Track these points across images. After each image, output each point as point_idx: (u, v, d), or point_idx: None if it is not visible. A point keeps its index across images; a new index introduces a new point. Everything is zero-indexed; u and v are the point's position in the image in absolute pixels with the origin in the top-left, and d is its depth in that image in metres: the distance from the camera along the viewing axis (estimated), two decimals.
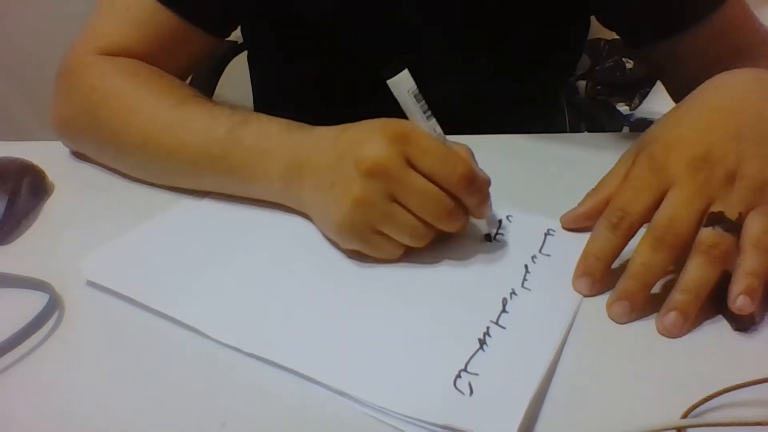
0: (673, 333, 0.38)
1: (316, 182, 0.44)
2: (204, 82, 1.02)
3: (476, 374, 0.35)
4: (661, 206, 0.41)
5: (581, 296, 0.42)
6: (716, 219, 0.39)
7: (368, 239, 0.43)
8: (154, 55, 0.57)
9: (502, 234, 0.48)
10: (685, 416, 0.32)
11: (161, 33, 0.58)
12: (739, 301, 0.37)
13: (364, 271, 0.44)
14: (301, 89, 0.74)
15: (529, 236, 0.47)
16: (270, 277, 0.43)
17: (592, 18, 0.70)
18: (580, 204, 0.48)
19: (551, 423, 0.33)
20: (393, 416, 0.33)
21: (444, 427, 0.32)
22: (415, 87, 0.41)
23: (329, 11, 0.63)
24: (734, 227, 0.39)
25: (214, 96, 1.04)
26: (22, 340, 0.37)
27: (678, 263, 0.40)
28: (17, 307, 0.40)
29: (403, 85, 0.41)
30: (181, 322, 0.39)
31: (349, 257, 0.45)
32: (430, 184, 0.41)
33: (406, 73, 0.41)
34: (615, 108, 1.57)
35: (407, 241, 0.43)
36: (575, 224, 0.48)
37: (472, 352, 0.37)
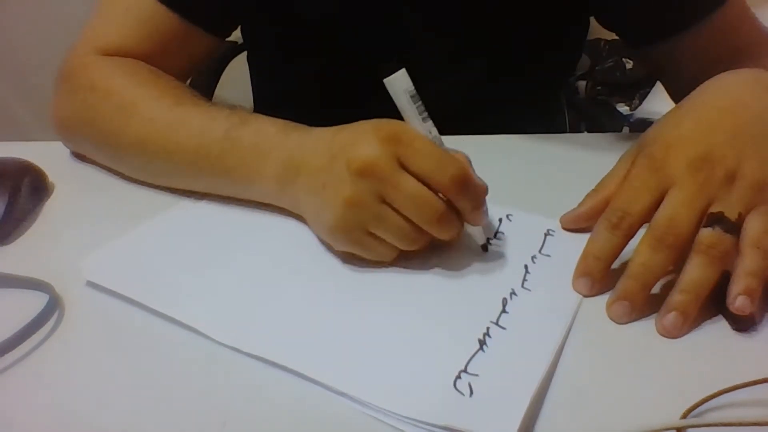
0: (672, 333, 0.38)
1: (310, 183, 0.44)
2: (204, 82, 1.02)
3: (476, 375, 0.35)
4: (661, 206, 0.41)
5: (581, 296, 0.42)
6: (716, 219, 0.39)
7: (360, 241, 0.42)
8: (154, 56, 0.58)
9: (503, 234, 0.48)
10: (685, 416, 0.32)
11: (161, 33, 0.58)
12: (739, 301, 0.38)
13: (364, 272, 0.44)
14: (301, 89, 0.73)
15: (528, 236, 0.47)
16: (270, 277, 0.43)
17: (592, 18, 0.70)
18: (580, 204, 0.48)
19: (551, 423, 0.33)
20: (393, 417, 0.33)
21: (444, 427, 0.32)
22: (412, 87, 0.41)
23: (329, 11, 0.63)
24: (734, 227, 0.39)
25: (214, 96, 1.04)
26: (22, 340, 0.37)
27: (678, 263, 0.40)
28: (17, 307, 0.40)
29: (399, 84, 0.40)
30: (181, 322, 0.39)
31: (344, 261, 0.44)
32: (421, 186, 0.40)
33: (403, 72, 0.40)
34: (615, 108, 1.57)
35: (398, 244, 0.42)
36: (575, 224, 0.48)
37: (472, 353, 0.37)
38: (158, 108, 0.52)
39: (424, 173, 0.40)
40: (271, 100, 0.81)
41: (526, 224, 0.49)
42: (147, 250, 0.46)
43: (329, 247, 0.45)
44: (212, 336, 0.38)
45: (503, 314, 0.40)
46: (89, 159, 0.58)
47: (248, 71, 0.84)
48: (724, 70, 0.47)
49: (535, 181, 0.56)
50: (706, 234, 0.39)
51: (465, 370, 0.35)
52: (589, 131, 1.10)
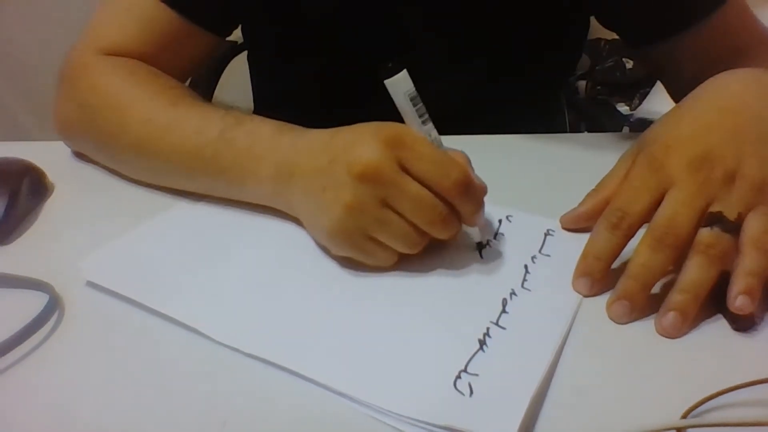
0: (672, 333, 0.38)
1: (307, 186, 0.43)
2: (204, 82, 1.02)
3: (476, 375, 0.35)
4: (661, 206, 0.41)
5: (581, 296, 0.42)
6: (715, 219, 0.39)
7: (361, 246, 0.42)
8: (155, 55, 0.58)
9: (502, 234, 0.48)
10: (685, 416, 0.32)
11: (162, 32, 0.58)
12: (739, 300, 0.37)
13: (364, 272, 0.44)
14: (301, 89, 0.73)
15: (528, 236, 0.47)
16: (270, 277, 0.43)
17: (592, 18, 0.70)
18: (580, 204, 0.48)
19: (551, 423, 0.33)
20: (393, 417, 0.33)
21: (444, 427, 0.32)
22: (413, 89, 0.40)
23: (329, 11, 0.63)
24: (733, 227, 0.39)
25: (213, 96, 1.04)
26: (22, 340, 0.37)
27: (678, 263, 0.40)
28: (17, 307, 0.40)
29: (400, 86, 0.40)
30: (181, 322, 0.39)
31: (342, 265, 0.44)
32: (424, 190, 0.40)
33: (404, 74, 0.40)
34: (615, 108, 1.57)
35: (400, 248, 0.42)
36: (575, 224, 0.48)
37: (472, 353, 0.37)
38: (154, 109, 0.52)
39: (426, 177, 0.40)
40: (271, 100, 0.81)
41: (526, 224, 0.49)
42: (147, 250, 0.46)
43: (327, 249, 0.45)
44: (212, 336, 0.38)
45: (503, 314, 0.40)
46: (89, 159, 0.58)
47: (248, 71, 0.84)
48: (724, 70, 0.47)
49: (535, 181, 0.56)
50: (706, 234, 0.39)
51: (465, 370, 0.35)
52: (589, 131, 1.10)
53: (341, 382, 0.35)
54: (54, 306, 0.40)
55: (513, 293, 0.42)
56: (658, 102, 1.38)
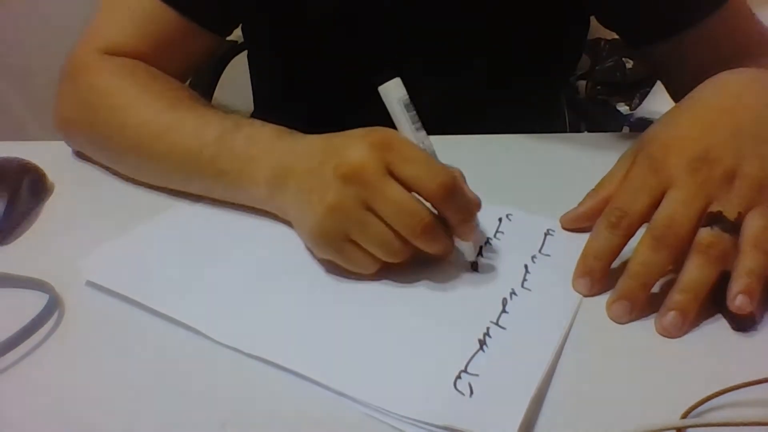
0: (672, 333, 0.38)
1: (298, 188, 0.43)
2: (204, 82, 1.02)
3: (476, 375, 0.35)
4: (661, 206, 0.41)
5: (581, 296, 0.42)
6: (715, 219, 0.39)
7: (341, 248, 0.41)
8: (155, 55, 0.58)
9: (502, 233, 0.48)
10: (685, 416, 0.32)
11: (163, 32, 0.58)
12: (738, 300, 0.38)
13: None
14: (300, 89, 0.74)
15: (528, 236, 0.47)
16: (270, 277, 0.43)
17: (592, 18, 0.70)
18: (579, 204, 0.48)
19: (551, 423, 0.33)
20: (393, 417, 0.33)
21: (444, 427, 0.32)
22: (406, 96, 0.40)
23: (329, 11, 0.63)
24: (733, 227, 0.39)
25: (213, 96, 1.04)
26: (22, 340, 0.37)
27: (677, 263, 0.40)
28: (17, 307, 0.40)
29: (393, 93, 0.40)
30: (181, 322, 0.39)
31: (327, 270, 0.43)
32: (407, 194, 0.39)
33: (397, 81, 0.40)
34: (615, 108, 1.57)
35: (379, 254, 0.41)
36: (575, 224, 0.48)
37: (472, 353, 0.37)
38: (153, 110, 0.52)
39: (411, 179, 0.39)
40: (271, 100, 0.81)
41: (525, 224, 0.49)
42: (146, 250, 0.46)
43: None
44: (212, 336, 0.38)
45: (503, 314, 0.40)
46: (89, 158, 0.58)
47: (248, 71, 0.84)
48: (724, 70, 0.47)
49: (535, 181, 0.56)
50: (705, 234, 0.39)
51: (465, 370, 0.35)
52: (589, 131, 1.10)
53: (341, 382, 0.35)
54: (54, 306, 0.40)
55: (513, 293, 0.42)
56: (658, 102, 1.38)
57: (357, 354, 0.37)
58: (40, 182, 0.54)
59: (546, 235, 0.48)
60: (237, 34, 0.73)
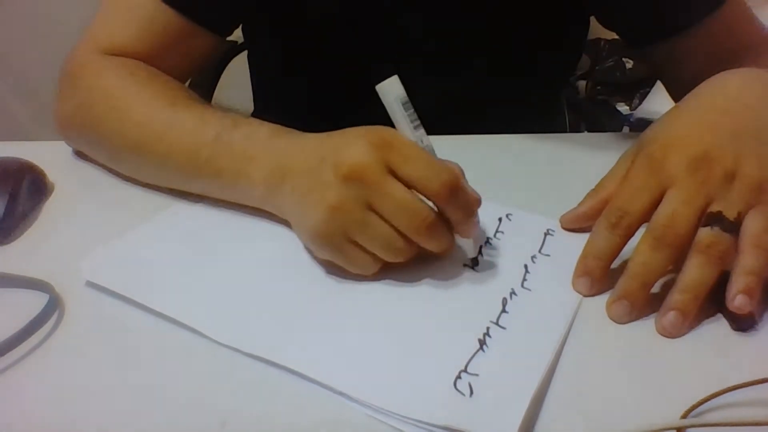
0: (672, 333, 0.38)
1: (296, 187, 0.43)
2: (204, 82, 1.02)
3: (476, 375, 0.35)
4: (660, 206, 0.41)
5: (581, 296, 0.42)
6: (714, 219, 0.39)
7: (342, 249, 0.41)
8: (156, 55, 0.58)
9: (502, 233, 0.48)
10: (685, 416, 0.32)
11: (163, 32, 0.58)
12: (738, 300, 0.38)
13: None
14: (301, 89, 0.74)
15: (528, 236, 0.47)
16: (270, 277, 0.43)
17: (592, 18, 0.70)
18: (579, 204, 0.48)
19: (551, 423, 0.33)
20: (393, 417, 0.33)
21: (444, 427, 0.32)
22: (404, 95, 0.40)
23: (329, 11, 0.63)
24: (733, 227, 0.39)
25: (213, 96, 1.04)
26: (22, 340, 0.37)
27: (677, 263, 0.40)
28: (17, 307, 0.40)
29: (391, 91, 0.40)
30: (180, 322, 0.39)
31: (327, 270, 0.43)
32: (409, 193, 0.39)
33: (395, 79, 0.40)
34: (615, 108, 1.57)
35: (382, 254, 0.41)
36: (575, 224, 0.48)
37: (472, 353, 0.37)
38: (153, 110, 0.52)
39: (413, 179, 0.39)
40: (270, 100, 0.81)
41: (525, 224, 0.49)
42: (146, 250, 0.46)
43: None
44: (212, 336, 0.38)
45: (503, 314, 0.40)
46: (89, 158, 0.58)
47: (248, 71, 0.84)
48: (724, 70, 0.47)
49: (535, 181, 0.56)
50: (705, 233, 0.39)
51: (465, 370, 0.35)
52: (589, 131, 1.10)
53: (341, 382, 0.35)
54: (54, 306, 0.40)
55: (513, 293, 0.42)
56: (658, 102, 1.38)
57: (356, 354, 0.37)
58: (40, 182, 0.54)
59: (546, 235, 0.48)
60: (237, 34, 0.73)
